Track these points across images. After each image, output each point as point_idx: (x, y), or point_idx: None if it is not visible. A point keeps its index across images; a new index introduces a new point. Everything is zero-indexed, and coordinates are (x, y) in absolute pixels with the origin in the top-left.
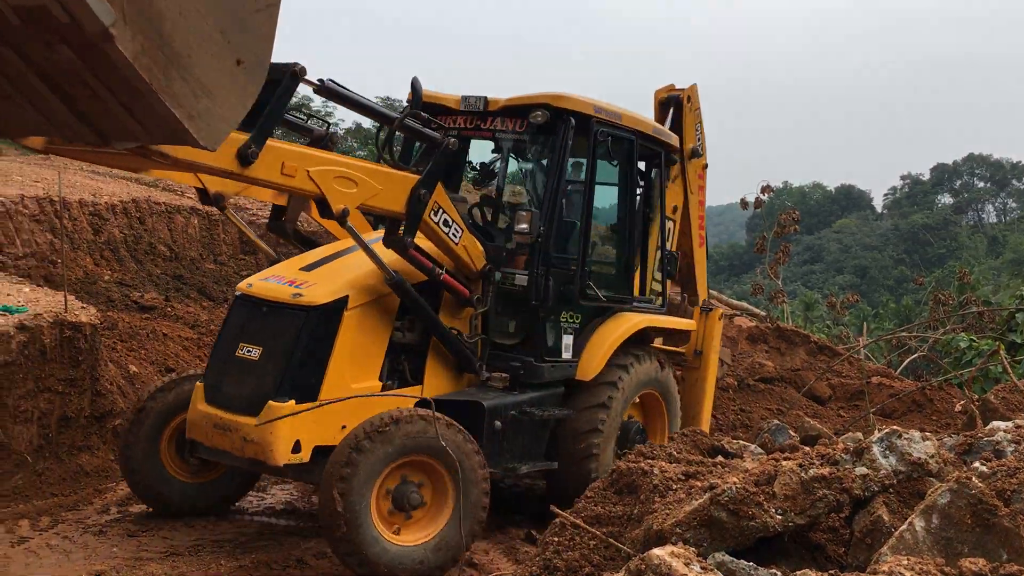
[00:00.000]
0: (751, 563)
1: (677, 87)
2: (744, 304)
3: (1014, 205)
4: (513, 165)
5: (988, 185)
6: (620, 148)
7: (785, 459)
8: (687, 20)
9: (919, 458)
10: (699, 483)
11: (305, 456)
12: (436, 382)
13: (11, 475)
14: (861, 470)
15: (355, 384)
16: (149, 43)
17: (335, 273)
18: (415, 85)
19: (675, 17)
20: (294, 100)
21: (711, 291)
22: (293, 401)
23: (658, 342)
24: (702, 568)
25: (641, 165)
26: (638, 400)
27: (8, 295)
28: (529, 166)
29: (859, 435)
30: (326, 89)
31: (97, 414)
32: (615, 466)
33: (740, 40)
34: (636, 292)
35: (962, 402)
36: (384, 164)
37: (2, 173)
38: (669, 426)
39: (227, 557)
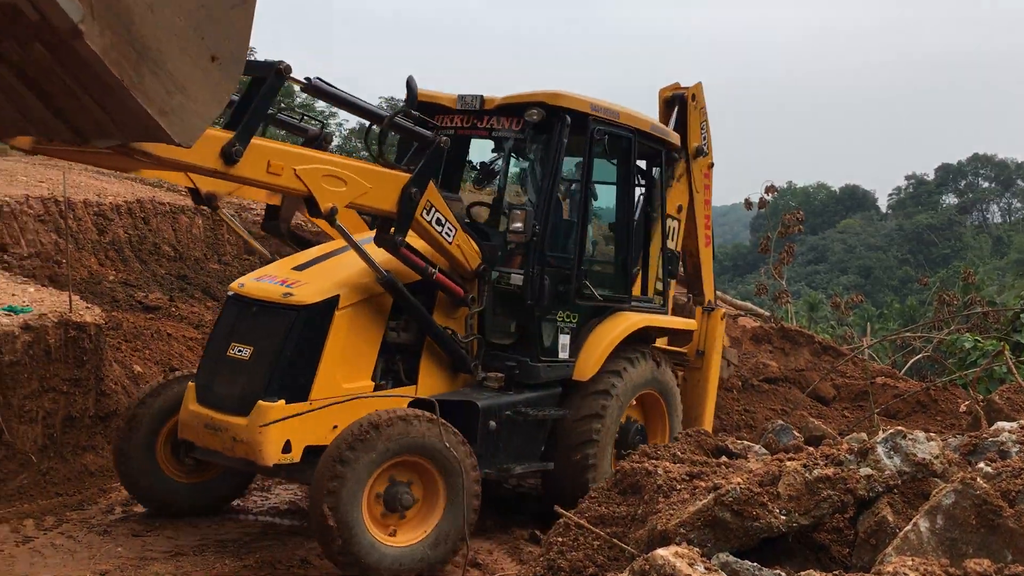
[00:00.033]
0: (755, 563)
1: (682, 85)
2: (748, 304)
3: (1019, 205)
4: (514, 164)
5: (993, 185)
6: (618, 146)
7: (789, 459)
8: (688, 20)
9: (923, 459)
10: (703, 483)
11: (296, 456)
12: (430, 382)
13: (16, 475)
14: (865, 471)
15: (347, 384)
16: (118, 39)
17: (327, 273)
18: (410, 84)
19: (676, 17)
20: (297, 102)
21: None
22: (283, 401)
23: (662, 342)
24: (706, 568)
25: (643, 164)
26: (637, 401)
27: (13, 295)
28: (525, 165)
29: (863, 435)
30: (313, 87)
31: (102, 414)
32: (619, 466)
33: (742, 39)
34: (638, 292)
35: (967, 403)
36: (375, 163)
37: (7, 173)
38: (670, 426)
39: (231, 557)
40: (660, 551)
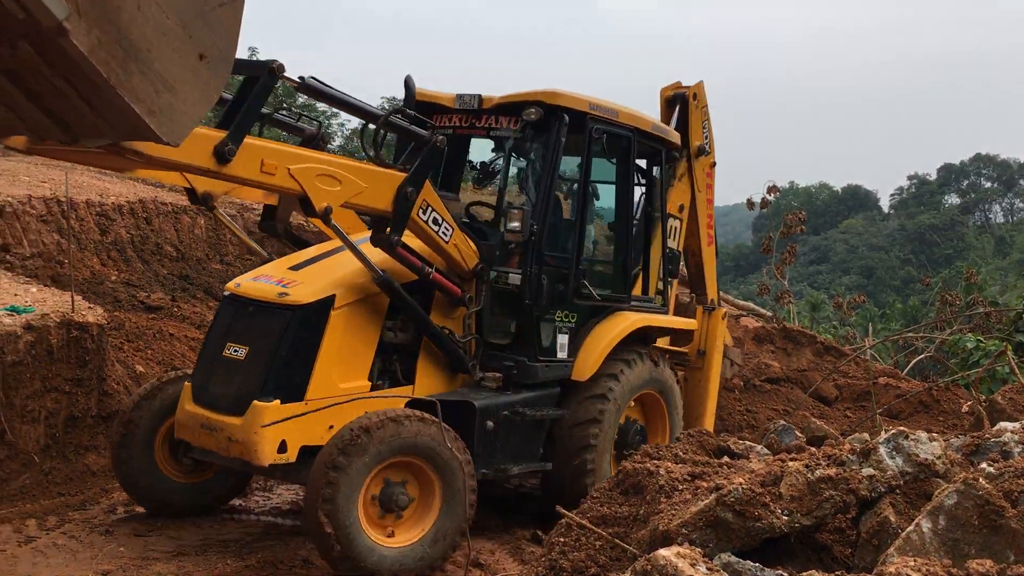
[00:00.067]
0: (757, 564)
1: (683, 84)
2: (750, 304)
3: (1021, 205)
4: (513, 164)
5: (995, 185)
6: (617, 145)
7: (791, 460)
8: (688, 20)
9: (926, 459)
10: (705, 484)
11: (292, 456)
12: (428, 382)
13: (18, 475)
14: (868, 471)
15: (343, 384)
16: (106, 37)
17: (323, 272)
18: (408, 83)
19: (676, 17)
20: (299, 102)
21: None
22: (278, 401)
23: (664, 342)
24: (708, 569)
25: (643, 164)
26: (637, 401)
27: (15, 295)
28: (524, 164)
29: (866, 436)
30: (307, 86)
31: (104, 414)
32: (621, 466)
33: (744, 39)
34: (639, 292)
35: (969, 403)
36: (371, 162)
37: (10, 173)
38: (671, 425)
39: (233, 557)
40: (662, 551)
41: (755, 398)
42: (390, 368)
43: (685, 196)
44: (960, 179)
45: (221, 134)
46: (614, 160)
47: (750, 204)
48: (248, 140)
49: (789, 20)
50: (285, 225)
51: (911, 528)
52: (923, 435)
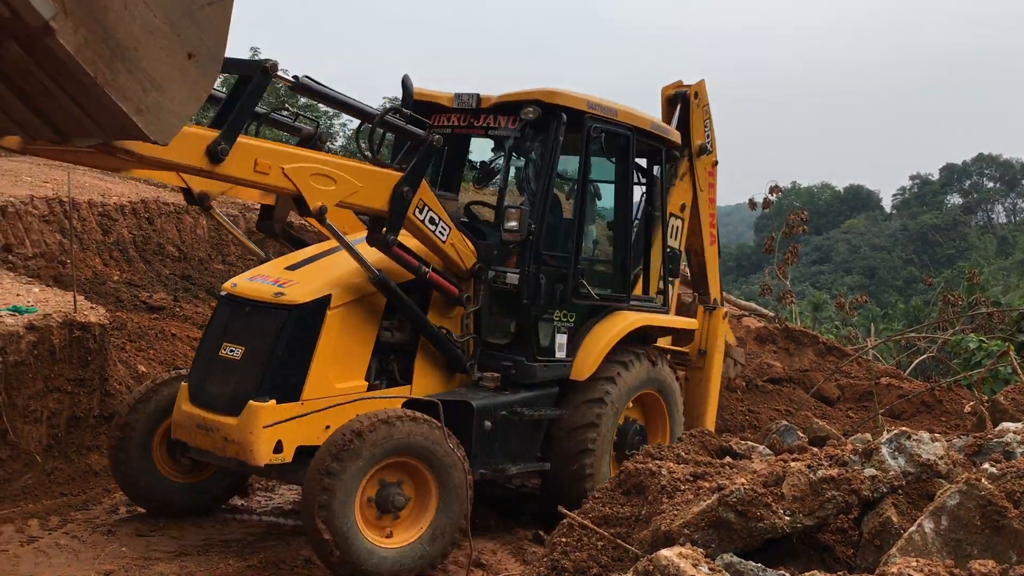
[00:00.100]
0: (759, 564)
1: (685, 83)
2: (752, 305)
3: None
4: (513, 163)
5: (998, 185)
6: (616, 144)
7: (793, 460)
8: (687, 20)
9: (928, 459)
10: (707, 484)
11: (288, 456)
12: (425, 382)
13: (21, 475)
14: (870, 471)
15: (340, 384)
16: (92, 36)
17: (319, 272)
18: (406, 83)
19: (676, 16)
20: (303, 103)
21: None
22: (274, 401)
23: (666, 342)
24: (710, 569)
25: (644, 163)
26: (635, 403)
27: (18, 295)
28: (522, 164)
29: (868, 436)
30: (301, 85)
31: (106, 414)
32: (623, 467)
33: (745, 39)
34: (640, 291)
35: (971, 403)
36: (367, 161)
37: (12, 174)
38: (671, 425)
39: (235, 557)
40: (664, 552)
41: (757, 398)
42: (387, 368)
43: (687, 195)
44: (962, 179)
45: (214, 133)
46: (613, 159)
47: (752, 204)
48: (241, 139)
49: (791, 20)
50: (283, 225)
51: (913, 528)
52: (925, 435)
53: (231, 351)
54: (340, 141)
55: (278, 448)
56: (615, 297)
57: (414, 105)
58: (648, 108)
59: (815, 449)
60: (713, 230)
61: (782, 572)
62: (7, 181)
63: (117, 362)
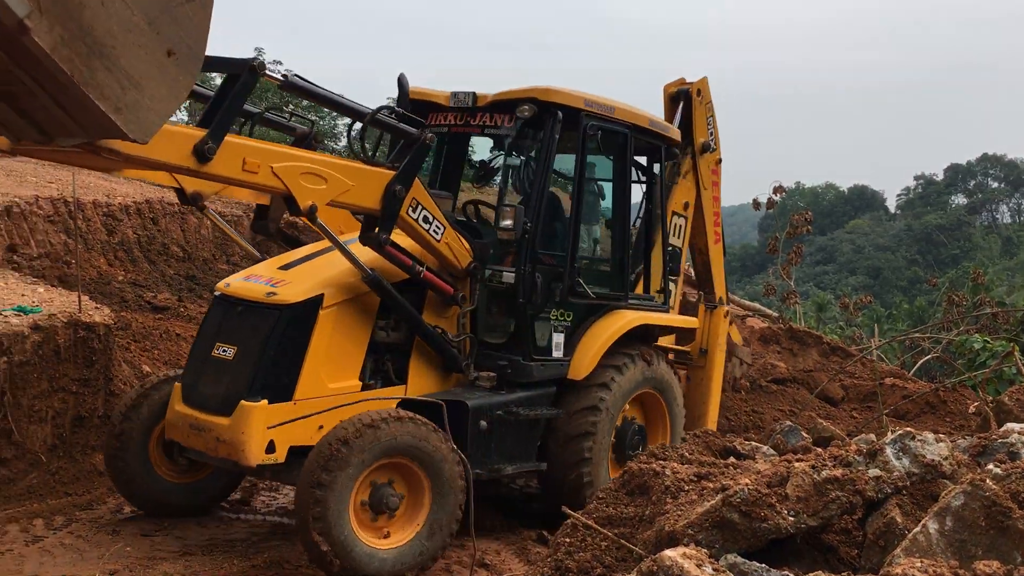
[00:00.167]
0: (763, 565)
1: (687, 81)
2: (756, 305)
3: None
4: (511, 161)
5: (1002, 185)
6: (613, 142)
7: (798, 461)
8: (688, 21)
9: (933, 460)
10: (711, 484)
11: (280, 456)
12: (421, 381)
13: (25, 474)
14: (874, 472)
15: (333, 384)
16: (68, 34)
17: (312, 272)
18: (401, 81)
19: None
20: (305, 105)
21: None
22: (266, 401)
23: (669, 341)
24: (714, 570)
25: (644, 161)
26: (636, 401)
27: (23, 295)
28: (519, 162)
29: (872, 437)
30: (290, 84)
31: (111, 414)
32: (626, 467)
33: (749, 38)
34: (640, 290)
35: (976, 404)
36: (359, 160)
37: (17, 174)
38: (672, 424)
39: (239, 557)
40: (668, 552)
41: (761, 399)
42: (382, 368)
43: (690, 193)
44: (967, 179)
45: (201, 132)
46: (610, 157)
47: (756, 204)
48: (229, 138)
49: (791, 19)
50: (277, 224)
51: (918, 529)
52: (930, 436)
53: (223, 351)
54: (343, 141)
55: (270, 448)
56: (613, 296)
57: (411, 104)
58: (649, 108)
59: (819, 450)
60: (718, 228)
61: (786, 573)
62: (12, 181)
63: (122, 362)
